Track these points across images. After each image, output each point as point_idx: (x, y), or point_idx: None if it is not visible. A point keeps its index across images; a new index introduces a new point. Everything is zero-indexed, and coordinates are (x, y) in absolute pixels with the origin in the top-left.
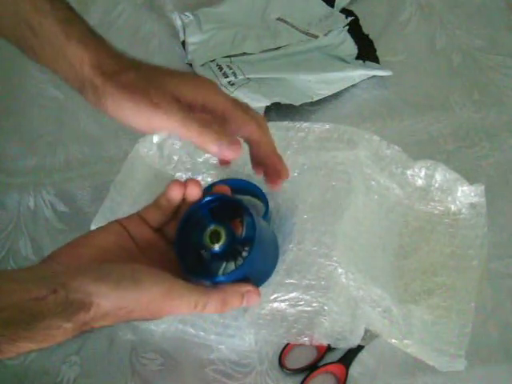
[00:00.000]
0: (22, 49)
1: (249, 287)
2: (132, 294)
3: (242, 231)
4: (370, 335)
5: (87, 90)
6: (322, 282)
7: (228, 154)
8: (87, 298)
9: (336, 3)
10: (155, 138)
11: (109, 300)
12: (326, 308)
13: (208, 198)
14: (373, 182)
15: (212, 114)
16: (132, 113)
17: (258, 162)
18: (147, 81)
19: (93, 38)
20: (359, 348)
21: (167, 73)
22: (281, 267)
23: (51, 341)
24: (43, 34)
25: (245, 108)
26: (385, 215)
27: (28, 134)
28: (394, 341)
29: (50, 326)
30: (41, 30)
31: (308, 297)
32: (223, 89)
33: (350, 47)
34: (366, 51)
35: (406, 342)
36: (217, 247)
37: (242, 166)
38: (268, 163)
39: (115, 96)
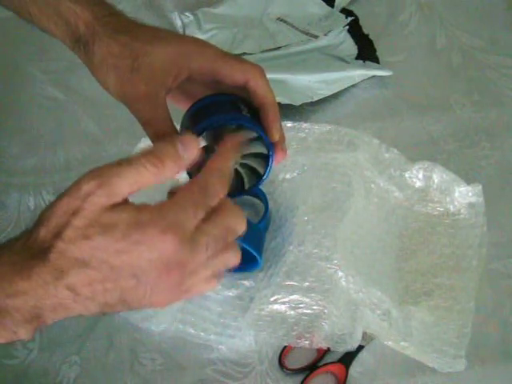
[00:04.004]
0: (18, 12)
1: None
2: None
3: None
4: (369, 335)
5: (80, 46)
6: (323, 285)
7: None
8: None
9: (336, 3)
10: None
11: None
12: (326, 311)
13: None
14: (372, 185)
15: (200, 79)
16: (112, 81)
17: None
18: (133, 50)
19: None
20: (359, 348)
21: (156, 39)
22: (281, 269)
23: None
24: None
25: (237, 57)
26: (384, 218)
27: (28, 134)
28: (391, 343)
29: None
30: None
31: (308, 299)
32: None
33: (350, 47)
34: (366, 51)
35: (403, 344)
36: None
37: None
38: (262, 117)
39: (100, 56)
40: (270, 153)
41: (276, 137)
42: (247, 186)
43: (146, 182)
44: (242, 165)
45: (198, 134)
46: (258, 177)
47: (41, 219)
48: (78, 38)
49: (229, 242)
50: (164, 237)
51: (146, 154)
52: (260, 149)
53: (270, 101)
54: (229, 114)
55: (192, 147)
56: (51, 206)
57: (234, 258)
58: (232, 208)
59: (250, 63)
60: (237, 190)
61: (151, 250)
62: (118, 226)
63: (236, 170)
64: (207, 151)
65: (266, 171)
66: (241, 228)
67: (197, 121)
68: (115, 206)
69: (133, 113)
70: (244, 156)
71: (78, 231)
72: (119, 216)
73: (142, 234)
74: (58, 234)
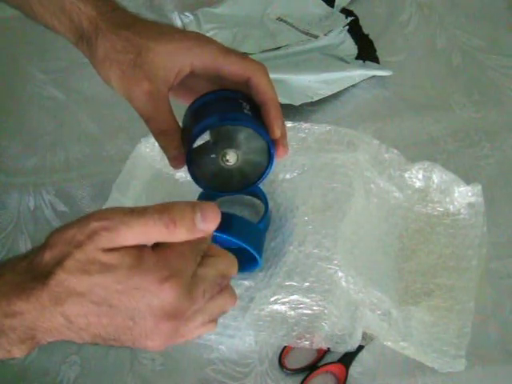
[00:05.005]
0: (20, 9)
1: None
2: None
3: None
4: (369, 335)
5: (83, 41)
6: (323, 285)
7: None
8: None
9: (336, 3)
10: None
11: None
12: (326, 312)
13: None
14: (372, 186)
15: (203, 74)
16: (115, 76)
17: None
18: (136, 46)
19: None
20: (359, 348)
21: (159, 35)
22: (281, 269)
23: None
24: None
25: (240, 53)
26: (385, 218)
27: (28, 134)
28: (390, 343)
29: None
30: None
31: (308, 300)
32: None
33: (350, 47)
34: (366, 51)
35: (402, 344)
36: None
37: None
38: (263, 114)
39: (103, 51)
40: (271, 150)
41: (277, 133)
42: (250, 181)
43: (152, 238)
44: (245, 161)
45: (198, 134)
46: (260, 173)
47: (49, 242)
48: (81, 33)
49: (223, 286)
50: (164, 285)
51: (163, 210)
52: (262, 145)
53: (272, 98)
54: (229, 113)
55: (211, 221)
56: (60, 231)
57: (230, 302)
58: (221, 252)
59: (252, 60)
60: (240, 186)
61: (151, 296)
62: (119, 268)
63: (239, 167)
64: (207, 147)
65: (267, 167)
66: (232, 271)
67: (198, 118)
68: (118, 249)
69: (135, 109)
70: (246, 152)
71: (77, 264)
72: (121, 258)
73: (142, 279)
74: (59, 262)
